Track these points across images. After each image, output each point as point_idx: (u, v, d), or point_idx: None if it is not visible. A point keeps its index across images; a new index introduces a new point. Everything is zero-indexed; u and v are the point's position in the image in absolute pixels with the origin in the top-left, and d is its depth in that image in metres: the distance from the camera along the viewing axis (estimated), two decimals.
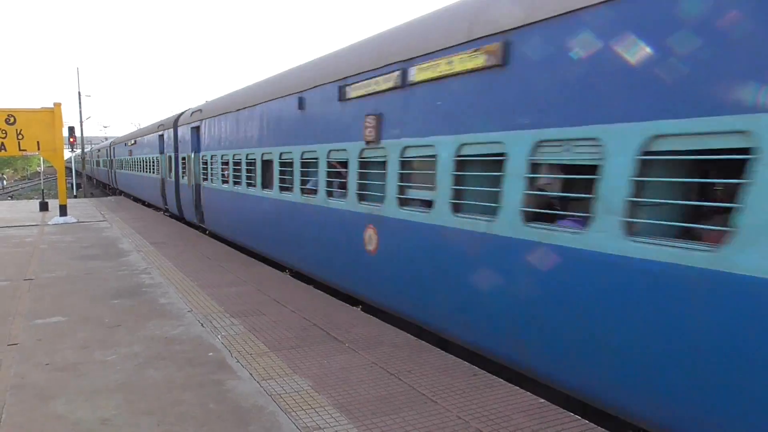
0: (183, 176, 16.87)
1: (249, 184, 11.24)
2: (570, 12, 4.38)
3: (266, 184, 10.40)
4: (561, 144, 4.49)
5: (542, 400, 4.56)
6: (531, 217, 4.74)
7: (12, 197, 45.34)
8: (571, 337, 4.39)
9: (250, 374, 5.08)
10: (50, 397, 4.61)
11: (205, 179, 14.51)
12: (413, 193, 6.38)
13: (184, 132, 16.62)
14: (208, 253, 11.68)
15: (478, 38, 5.23)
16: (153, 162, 21.89)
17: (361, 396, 4.62)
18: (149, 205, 24.31)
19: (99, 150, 47.17)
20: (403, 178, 6.43)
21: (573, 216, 4.48)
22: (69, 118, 54.39)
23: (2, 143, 17.46)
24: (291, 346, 5.87)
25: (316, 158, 8.28)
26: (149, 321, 6.77)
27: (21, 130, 17.56)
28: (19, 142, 17.61)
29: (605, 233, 4.06)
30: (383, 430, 4.05)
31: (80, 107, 45.64)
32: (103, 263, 10.54)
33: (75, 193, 40.89)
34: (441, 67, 5.69)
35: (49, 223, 17.51)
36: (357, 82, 7.23)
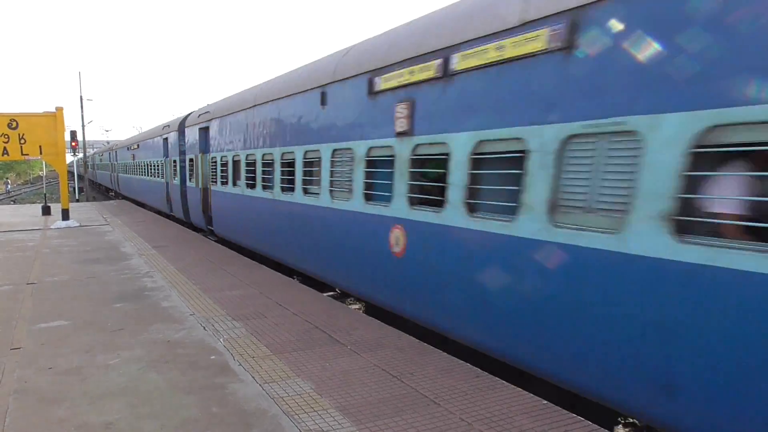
0: (114, 171, 39.05)
1: (127, 172, 30.95)
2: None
3: (133, 172, 28.70)
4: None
5: (545, 402, 4.55)
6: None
7: (14, 201, 45.44)
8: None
9: (253, 377, 5.08)
10: (53, 402, 4.62)
11: (119, 172, 35.73)
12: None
13: (113, 152, 39.99)
14: (210, 257, 11.69)
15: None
16: (108, 165, 44.20)
17: (363, 398, 4.62)
18: (152, 209, 24.50)
19: (89, 156, 68.89)
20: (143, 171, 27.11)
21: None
22: (71, 122, 56.20)
23: (5, 148, 17.51)
24: (293, 348, 5.88)
25: (134, 161, 28.95)
26: (152, 325, 6.78)
27: (23, 134, 17.61)
28: (21, 147, 17.67)
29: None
30: None
31: (82, 111, 45.79)
32: (106, 267, 10.56)
33: (77, 197, 40.98)
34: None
35: (51, 227, 17.55)
36: (133, 145, 29.35)
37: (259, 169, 10.71)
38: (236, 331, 6.51)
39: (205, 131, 14.58)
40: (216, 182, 13.63)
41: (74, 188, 43.31)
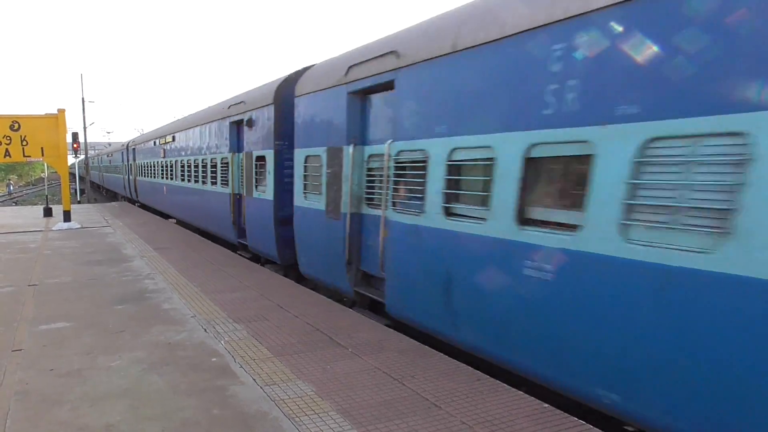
0: (101, 171, 50.95)
1: (108, 171, 45.55)
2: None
3: (111, 172, 43.98)
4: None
5: (546, 405, 4.55)
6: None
7: (16, 203, 45.53)
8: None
9: (254, 380, 5.08)
10: (55, 403, 4.63)
11: (104, 172, 49.30)
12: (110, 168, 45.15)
13: (100, 157, 54.10)
14: (212, 258, 11.70)
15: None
16: (98, 167, 55.77)
17: (364, 401, 4.62)
18: (154, 212, 24.60)
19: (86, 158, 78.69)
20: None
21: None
22: (73, 123, 57.78)
23: (7, 149, 17.55)
24: (294, 351, 5.88)
25: (110, 164, 44.69)
26: (153, 326, 6.79)
27: (25, 136, 17.65)
28: (23, 149, 17.71)
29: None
30: None
31: (84, 113, 45.99)
32: (107, 269, 10.57)
33: (78, 199, 41.04)
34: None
35: (53, 228, 17.56)
36: (110, 153, 45.97)
37: (146, 168, 25.11)
38: (237, 333, 6.51)
39: (134, 149, 29.60)
40: (139, 175, 28.21)
41: (75, 190, 43.38)
